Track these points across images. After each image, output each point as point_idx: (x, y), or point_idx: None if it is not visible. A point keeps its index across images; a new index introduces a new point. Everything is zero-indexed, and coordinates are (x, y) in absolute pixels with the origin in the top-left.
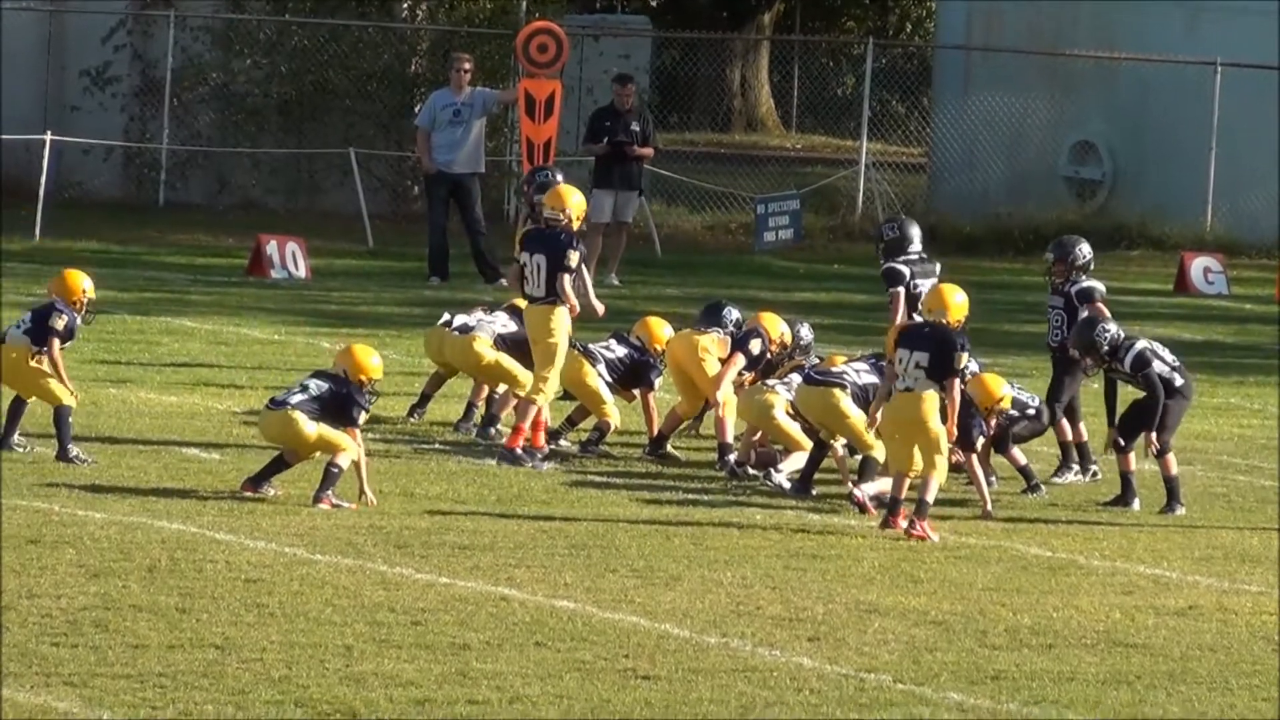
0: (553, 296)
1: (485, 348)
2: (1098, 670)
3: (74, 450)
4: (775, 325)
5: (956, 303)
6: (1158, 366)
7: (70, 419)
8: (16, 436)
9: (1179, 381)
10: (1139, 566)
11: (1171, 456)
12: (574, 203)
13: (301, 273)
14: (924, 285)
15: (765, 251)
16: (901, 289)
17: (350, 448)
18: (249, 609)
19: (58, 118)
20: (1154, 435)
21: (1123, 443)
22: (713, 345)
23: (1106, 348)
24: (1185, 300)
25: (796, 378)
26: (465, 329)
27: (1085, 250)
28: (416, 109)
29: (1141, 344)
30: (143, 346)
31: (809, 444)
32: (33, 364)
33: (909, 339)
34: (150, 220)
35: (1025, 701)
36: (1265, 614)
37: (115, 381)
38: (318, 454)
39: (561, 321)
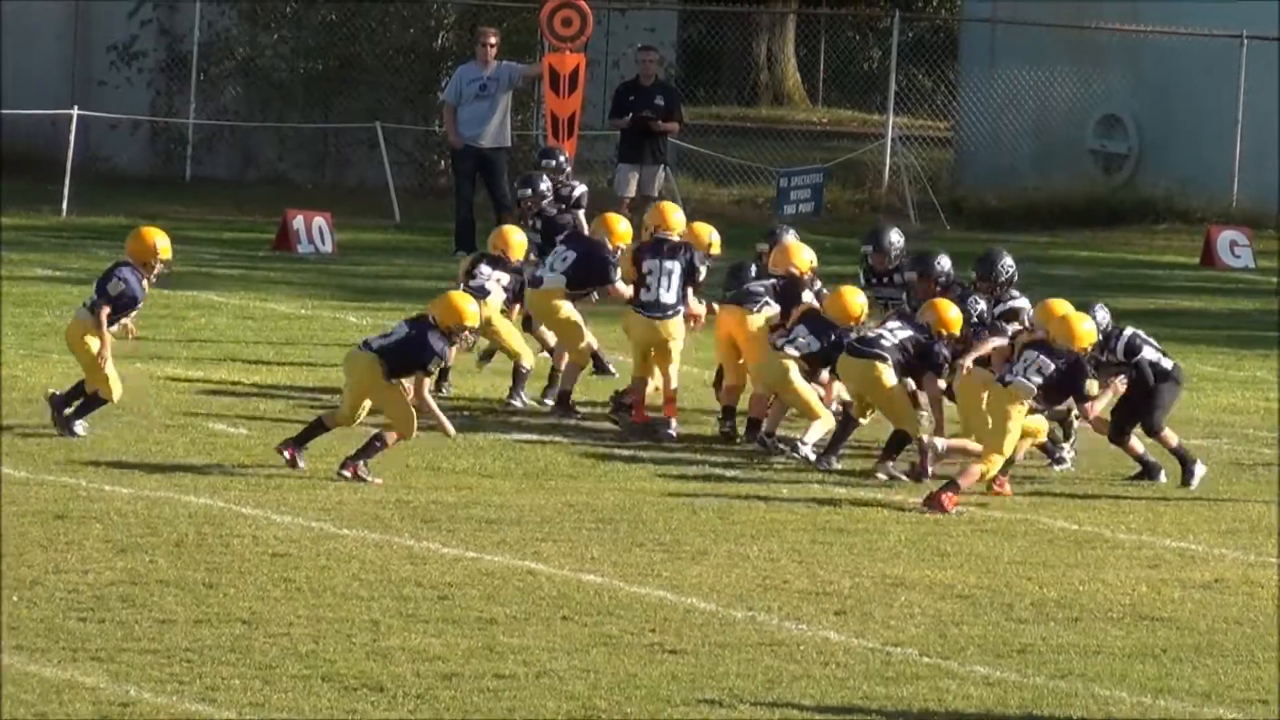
0: (679, 306)
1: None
2: (1124, 644)
3: (80, 426)
4: (800, 253)
5: (1085, 330)
6: (1148, 353)
7: (96, 409)
8: (79, 425)
9: (1168, 364)
10: (1165, 540)
11: (1168, 431)
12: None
13: (328, 247)
14: None
15: (786, 223)
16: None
17: (410, 431)
18: (276, 584)
19: (84, 93)
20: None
21: (1122, 431)
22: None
23: (1099, 336)
24: (1211, 273)
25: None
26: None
27: (1009, 263)
28: (443, 83)
29: (1130, 330)
30: (169, 321)
31: (824, 411)
32: (92, 338)
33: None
34: (177, 195)
35: (1051, 675)
36: None
37: (142, 356)
38: (363, 415)
39: (682, 329)
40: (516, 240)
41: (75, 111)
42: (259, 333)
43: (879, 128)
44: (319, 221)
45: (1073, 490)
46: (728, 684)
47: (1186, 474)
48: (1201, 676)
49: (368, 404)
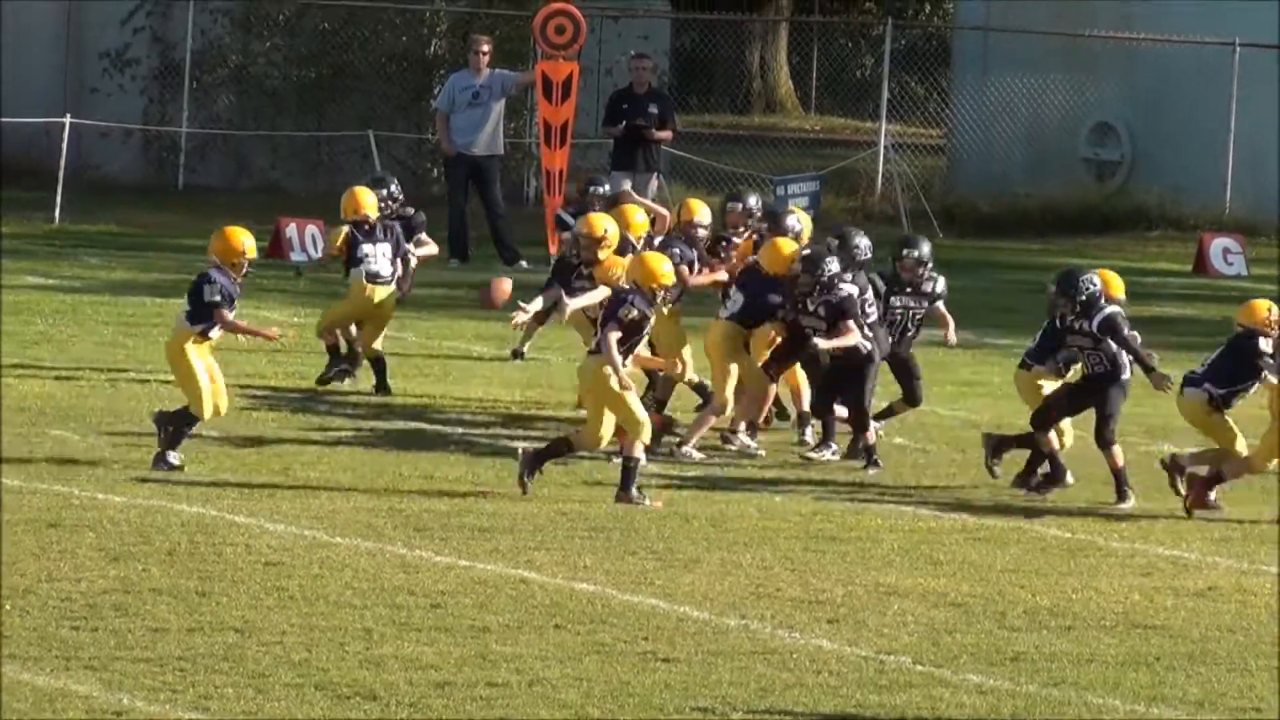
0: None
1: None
2: (1117, 652)
3: (174, 457)
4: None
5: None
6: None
7: (191, 429)
8: (173, 456)
9: (1126, 375)
10: (1158, 548)
11: (1118, 448)
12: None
13: (320, 255)
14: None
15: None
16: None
17: (645, 434)
18: (269, 592)
19: (77, 100)
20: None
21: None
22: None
23: (1084, 296)
24: (1204, 281)
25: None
26: None
27: (926, 249)
28: (435, 91)
29: (1115, 309)
30: (162, 329)
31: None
32: (190, 346)
33: None
34: (169, 203)
35: (1044, 683)
36: None
37: (135, 364)
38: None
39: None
40: (369, 201)
41: (68, 119)
42: (252, 340)
43: (872, 135)
44: (312, 229)
45: (1065, 498)
46: (721, 692)
47: (1121, 497)
48: (1195, 684)
49: (610, 418)
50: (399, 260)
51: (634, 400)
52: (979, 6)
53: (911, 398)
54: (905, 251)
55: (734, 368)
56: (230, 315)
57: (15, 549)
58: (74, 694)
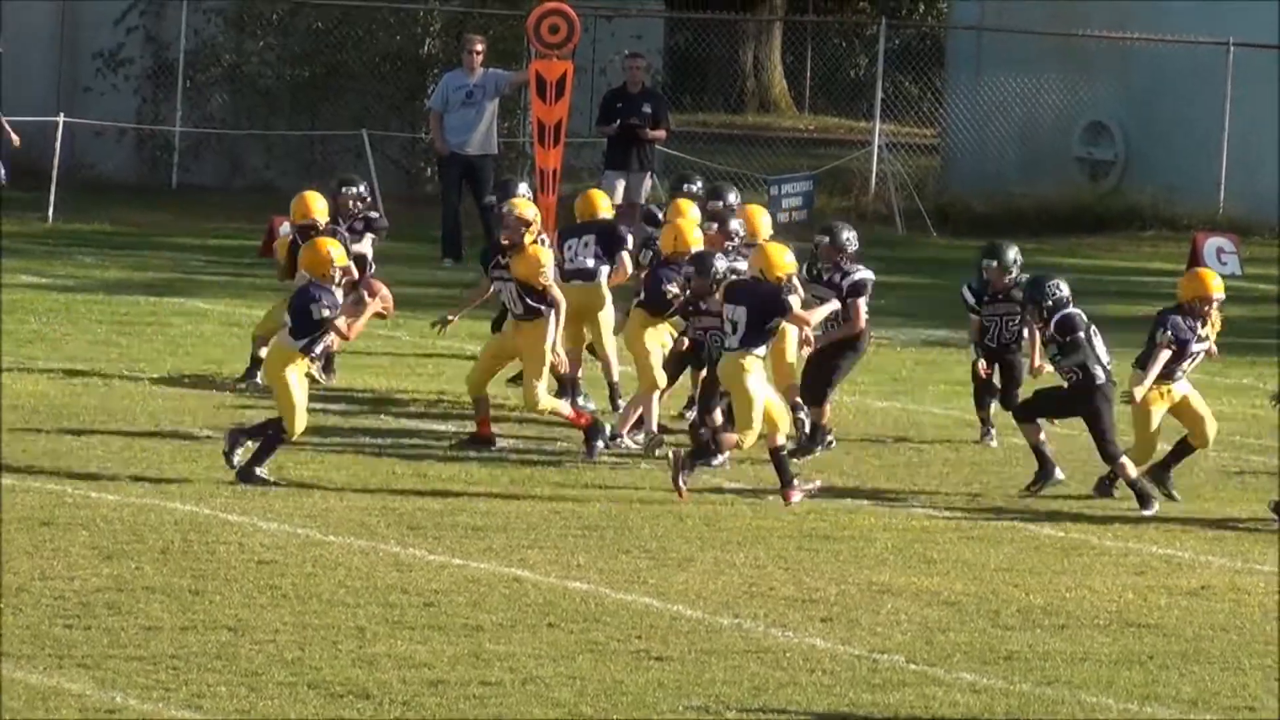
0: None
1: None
2: (1110, 650)
3: (263, 472)
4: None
5: None
6: (1083, 338)
7: (279, 446)
8: (261, 471)
9: (1101, 378)
10: (1151, 547)
11: (1126, 460)
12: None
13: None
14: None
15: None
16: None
17: (751, 435)
18: (262, 591)
19: (70, 100)
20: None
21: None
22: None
23: (1050, 302)
24: None
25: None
26: None
27: (854, 237)
28: (429, 91)
29: (1077, 312)
30: (155, 328)
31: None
32: (292, 368)
33: None
34: (163, 202)
35: (1038, 682)
36: (1278, 594)
37: (128, 362)
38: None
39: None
40: (318, 206)
41: (61, 119)
42: (245, 340)
43: (866, 135)
44: None
45: (1059, 496)
46: (714, 691)
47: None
48: (1188, 683)
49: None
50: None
51: (759, 400)
52: (973, 6)
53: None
54: (985, 261)
55: (652, 346)
56: (344, 324)
57: (9, 547)
58: (67, 692)
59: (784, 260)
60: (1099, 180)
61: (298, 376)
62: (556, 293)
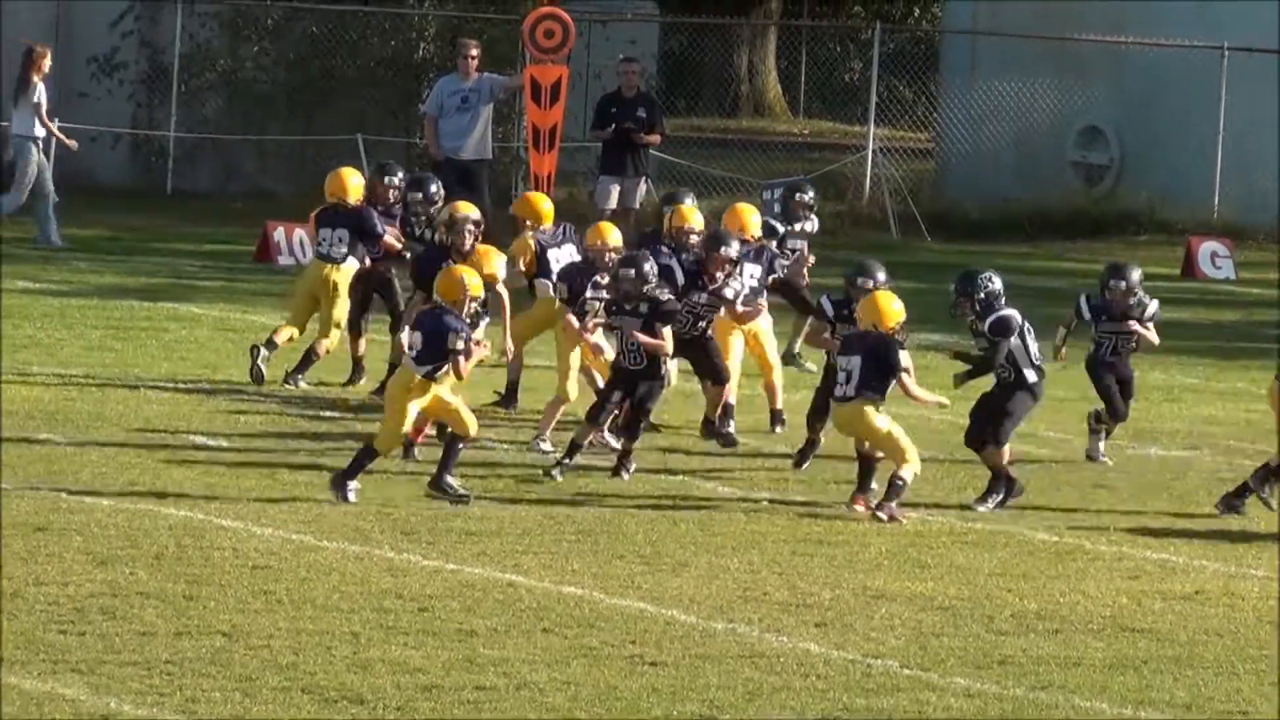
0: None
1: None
2: (1104, 655)
3: (454, 483)
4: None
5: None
6: (1015, 343)
7: (371, 461)
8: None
9: (1033, 378)
10: (1145, 551)
11: (1007, 449)
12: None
13: (309, 259)
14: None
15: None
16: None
17: (913, 456)
18: (256, 596)
19: (65, 105)
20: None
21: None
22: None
23: (982, 295)
24: (1192, 285)
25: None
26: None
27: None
28: (424, 95)
29: (1013, 313)
30: (150, 333)
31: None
32: (414, 402)
33: None
34: (158, 207)
35: (1032, 686)
36: (1272, 599)
37: (123, 367)
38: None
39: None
40: (354, 183)
41: (56, 124)
42: (240, 345)
43: (860, 139)
44: (300, 234)
45: (1053, 501)
46: (708, 696)
47: (988, 496)
48: (1182, 688)
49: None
50: (363, 243)
51: (896, 431)
52: (967, 10)
53: (1115, 413)
54: (1112, 283)
55: (572, 356)
56: (464, 365)
57: (3, 552)
58: (61, 697)
59: (893, 309)
60: (1094, 184)
61: (414, 400)
62: (502, 289)
